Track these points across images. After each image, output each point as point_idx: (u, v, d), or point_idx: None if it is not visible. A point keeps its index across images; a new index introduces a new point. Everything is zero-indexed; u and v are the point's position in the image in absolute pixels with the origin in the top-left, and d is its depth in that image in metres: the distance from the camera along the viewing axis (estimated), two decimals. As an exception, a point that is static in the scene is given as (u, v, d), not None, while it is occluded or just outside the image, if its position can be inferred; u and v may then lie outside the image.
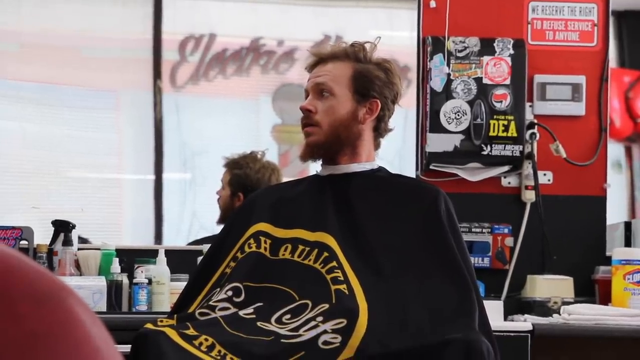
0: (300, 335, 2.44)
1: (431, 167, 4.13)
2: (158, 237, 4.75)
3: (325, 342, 2.41)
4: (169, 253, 3.94)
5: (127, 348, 2.40)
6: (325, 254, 2.58)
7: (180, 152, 4.98)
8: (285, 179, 4.15)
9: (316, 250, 2.60)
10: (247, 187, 4.07)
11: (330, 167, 2.82)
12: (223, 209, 4.27)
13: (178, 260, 3.95)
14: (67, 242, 3.84)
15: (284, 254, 2.65)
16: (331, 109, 2.72)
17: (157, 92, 4.75)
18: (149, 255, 3.92)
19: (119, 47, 4.98)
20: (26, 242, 3.79)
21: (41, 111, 4.87)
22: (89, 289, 3.54)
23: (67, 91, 4.88)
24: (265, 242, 2.66)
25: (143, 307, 3.66)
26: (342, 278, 2.53)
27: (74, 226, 3.93)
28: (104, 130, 4.90)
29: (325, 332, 2.42)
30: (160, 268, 3.79)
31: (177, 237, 4.81)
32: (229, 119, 5.11)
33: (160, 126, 4.77)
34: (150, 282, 3.74)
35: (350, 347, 2.38)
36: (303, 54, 4.03)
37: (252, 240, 2.68)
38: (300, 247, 2.63)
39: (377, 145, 2.81)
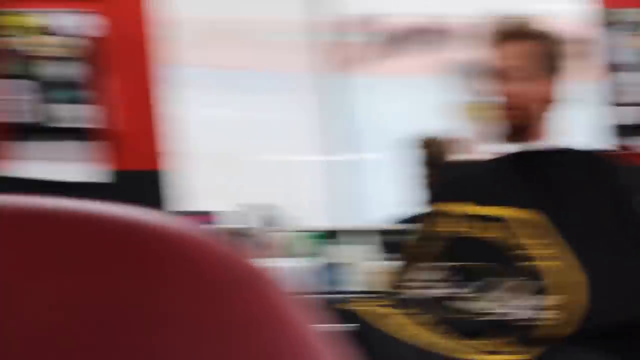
0: (515, 313, 2.46)
1: (617, 140, 4.26)
2: (349, 217, 4.76)
3: (543, 319, 2.44)
4: (364, 233, 4.12)
5: (330, 327, 2.57)
6: (534, 230, 2.60)
7: (366, 133, 5.08)
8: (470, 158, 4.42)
9: (524, 227, 2.64)
10: (440, 166, 4.06)
11: (523, 144, 2.77)
12: (422, 188, 4.28)
13: (372, 239, 4.07)
14: (267, 224, 4.07)
15: (492, 233, 2.67)
16: (527, 90, 2.71)
17: (340, 73, 4.88)
18: (342, 235, 4.10)
19: (297, 30, 5.08)
20: (226, 226, 3.97)
21: (232, 97, 4.99)
22: (289, 270, 3.73)
23: (251, 76, 4.98)
24: (471, 221, 2.67)
25: (343, 287, 3.82)
26: (555, 254, 2.55)
27: (273, 208, 4.15)
28: (290, 113, 5.02)
29: (542, 308, 2.44)
30: (354, 248, 4.00)
31: (368, 216, 4.77)
32: (408, 98, 5.10)
33: (345, 107, 4.95)
34: (346, 262, 3.95)
35: (570, 323, 2.41)
36: (469, 29, 3.86)
37: (459, 220, 2.68)
38: (507, 225, 2.68)
39: (560, 121, 2.85)
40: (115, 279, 0.29)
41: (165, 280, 0.30)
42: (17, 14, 4.37)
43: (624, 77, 4.18)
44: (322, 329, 0.51)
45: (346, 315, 2.44)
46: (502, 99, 2.68)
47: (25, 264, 0.28)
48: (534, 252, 2.53)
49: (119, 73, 4.21)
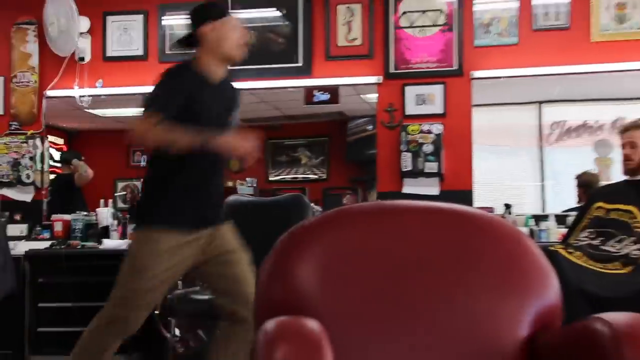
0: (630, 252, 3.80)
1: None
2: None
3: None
4: (560, 216, 5.52)
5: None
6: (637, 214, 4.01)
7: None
8: None
9: (632, 213, 4.00)
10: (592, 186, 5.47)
11: (632, 177, 4.20)
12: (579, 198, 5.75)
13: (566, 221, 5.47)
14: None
15: (619, 215, 4.07)
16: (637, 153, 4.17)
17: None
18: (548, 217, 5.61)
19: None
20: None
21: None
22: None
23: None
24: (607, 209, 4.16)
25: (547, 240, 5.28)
26: None
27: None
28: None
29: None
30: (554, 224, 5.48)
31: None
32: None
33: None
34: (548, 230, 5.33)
35: None
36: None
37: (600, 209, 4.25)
38: (627, 211, 4.05)
39: None
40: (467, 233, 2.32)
41: (482, 233, 2.34)
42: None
43: None
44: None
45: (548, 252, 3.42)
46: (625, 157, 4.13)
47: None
48: (637, 222, 3.89)
49: (450, 148, 6.00)
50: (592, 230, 4.05)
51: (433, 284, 2.43)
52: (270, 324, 1.98)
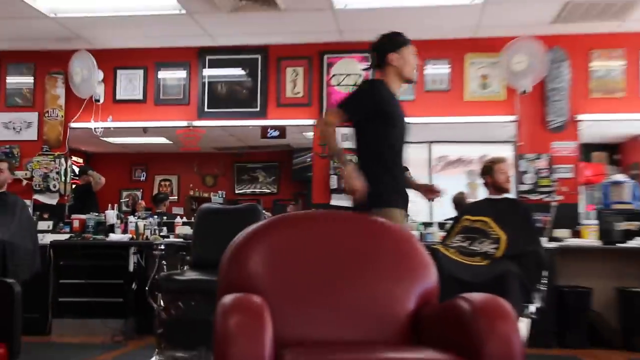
0: (487, 250, 3.85)
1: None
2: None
3: (493, 250, 3.85)
4: (443, 223, 5.74)
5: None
6: (491, 223, 4.01)
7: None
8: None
9: (489, 223, 4.01)
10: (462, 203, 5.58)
11: (496, 196, 4.19)
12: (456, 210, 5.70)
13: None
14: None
15: (480, 225, 4.05)
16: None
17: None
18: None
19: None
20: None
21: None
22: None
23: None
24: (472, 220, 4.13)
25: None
26: (499, 231, 3.93)
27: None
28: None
29: (494, 249, 3.85)
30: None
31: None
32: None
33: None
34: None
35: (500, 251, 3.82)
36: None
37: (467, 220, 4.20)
38: (484, 221, 4.07)
39: None
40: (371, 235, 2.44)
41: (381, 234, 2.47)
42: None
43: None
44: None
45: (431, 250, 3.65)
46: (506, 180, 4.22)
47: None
48: (492, 230, 3.95)
49: None
50: (462, 235, 4.05)
51: (347, 271, 2.45)
52: (226, 299, 1.97)
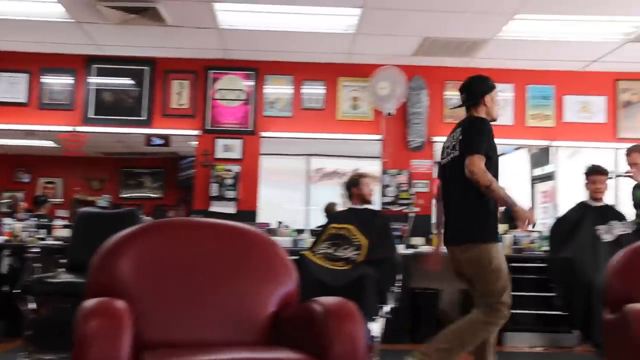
0: (349, 256, 3.86)
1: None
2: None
3: (355, 256, 3.87)
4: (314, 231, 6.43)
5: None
6: (355, 230, 4.00)
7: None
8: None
9: (352, 231, 4.00)
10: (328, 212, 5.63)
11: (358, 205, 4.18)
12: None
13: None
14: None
15: (343, 231, 4.04)
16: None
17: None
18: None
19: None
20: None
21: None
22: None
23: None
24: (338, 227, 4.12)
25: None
26: (360, 237, 3.94)
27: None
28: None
29: (356, 254, 3.87)
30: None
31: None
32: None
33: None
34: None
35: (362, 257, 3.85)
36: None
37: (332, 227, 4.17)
38: (347, 229, 4.05)
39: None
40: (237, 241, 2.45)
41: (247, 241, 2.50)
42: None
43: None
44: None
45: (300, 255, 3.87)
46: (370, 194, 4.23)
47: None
48: (355, 237, 3.97)
49: (244, 182, 6.26)
50: (329, 242, 4.04)
51: (214, 276, 2.42)
52: (88, 303, 1.89)
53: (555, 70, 6.10)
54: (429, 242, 5.68)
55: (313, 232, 5.50)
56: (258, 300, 2.40)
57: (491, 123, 3.19)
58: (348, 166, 6.22)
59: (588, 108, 6.09)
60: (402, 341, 5.04)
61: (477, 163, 2.94)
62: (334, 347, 1.95)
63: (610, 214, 4.16)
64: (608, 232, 4.04)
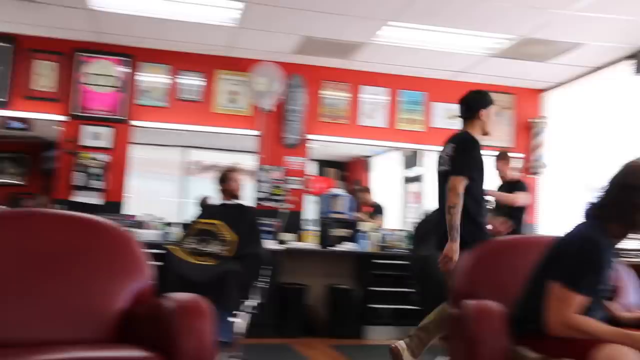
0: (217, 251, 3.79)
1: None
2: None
3: (223, 251, 3.77)
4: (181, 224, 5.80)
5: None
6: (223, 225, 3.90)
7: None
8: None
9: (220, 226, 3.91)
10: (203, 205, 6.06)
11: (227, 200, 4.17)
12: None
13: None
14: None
15: (210, 227, 3.95)
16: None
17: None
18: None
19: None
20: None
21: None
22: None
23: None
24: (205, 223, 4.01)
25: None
26: (229, 233, 3.85)
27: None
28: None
29: (222, 250, 3.77)
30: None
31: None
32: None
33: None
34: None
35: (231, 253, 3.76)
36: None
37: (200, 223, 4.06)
38: (215, 224, 3.95)
39: None
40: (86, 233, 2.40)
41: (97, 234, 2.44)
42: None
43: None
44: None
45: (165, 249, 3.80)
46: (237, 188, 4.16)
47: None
48: (222, 232, 3.90)
49: (113, 172, 5.73)
50: (196, 236, 3.95)
51: (58, 270, 2.27)
52: None
53: (427, 77, 6.33)
54: (299, 238, 5.77)
55: (185, 226, 5.46)
56: (106, 296, 2.30)
57: (480, 137, 3.42)
58: (227, 160, 6.10)
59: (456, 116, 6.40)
60: (270, 335, 5.10)
61: (456, 184, 3.15)
62: (182, 343, 1.93)
63: None
64: None
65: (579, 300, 1.98)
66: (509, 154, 5.25)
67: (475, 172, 3.28)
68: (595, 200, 2.18)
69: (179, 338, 1.93)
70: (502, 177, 4.84)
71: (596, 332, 1.93)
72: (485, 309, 2.15)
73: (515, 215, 4.80)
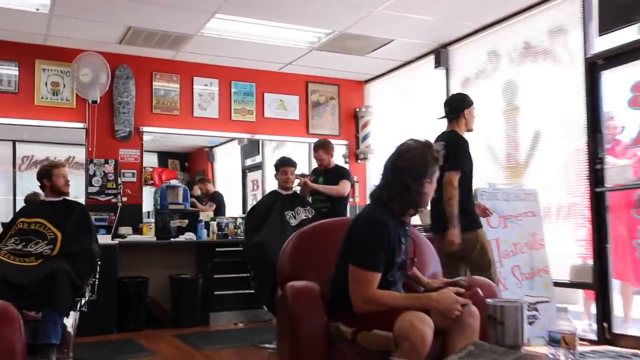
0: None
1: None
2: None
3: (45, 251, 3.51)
4: None
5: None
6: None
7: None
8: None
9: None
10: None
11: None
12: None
13: None
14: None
15: (35, 226, 3.68)
16: None
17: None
18: None
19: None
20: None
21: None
22: None
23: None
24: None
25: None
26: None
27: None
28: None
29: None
30: None
31: None
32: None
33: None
34: None
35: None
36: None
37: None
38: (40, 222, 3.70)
39: None
40: None
41: None
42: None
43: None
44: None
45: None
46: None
47: None
48: (48, 231, 3.64)
49: None
50: (17, 237, 3.65)
51: None
52: None
53: (256, 69, 6.37)
54: (137, 230, 5.59)
55: (3, 226, 5.01)
56: None
57: (466, 134, 3.70)
58: (59, 154, 5.93)
59: (284, 106, 6.58)
60: (110, 331, 4.95)
61: (451, 178, 3.37)
62: None
63: (297, 201, 4.41)
64: (294, 217, 4.35)
65: (375, 277, 2.12)
66: (331, 142, 5.45)
67: (466, 165, 3.54)
68: (377, 183, 2.35)
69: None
70: (323, 165, 4.87)
71: (393, 302, 2.09)
72: (304, 289, 2.24)
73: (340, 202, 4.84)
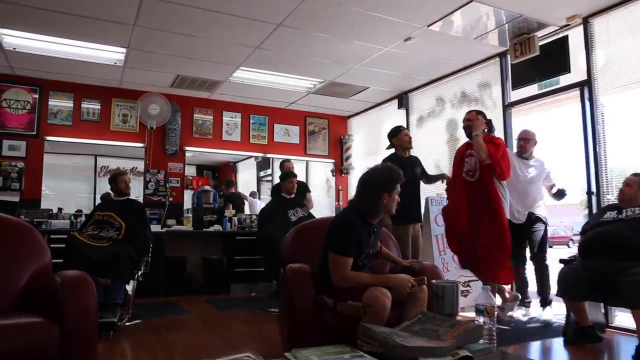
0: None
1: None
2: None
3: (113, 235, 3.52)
4: None
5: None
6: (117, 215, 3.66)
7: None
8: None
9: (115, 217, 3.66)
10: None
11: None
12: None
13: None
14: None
15: (108, 218, 3.63)
16: None
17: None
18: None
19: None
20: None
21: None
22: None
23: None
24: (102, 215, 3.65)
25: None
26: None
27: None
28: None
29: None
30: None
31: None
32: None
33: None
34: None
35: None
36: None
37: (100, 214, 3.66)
38: (111, 214, 3.69)
39: None
40: None
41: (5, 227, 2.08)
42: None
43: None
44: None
45: (69, 234, 3.46)
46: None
47: None
48: (116, 221, 3.61)
49: (29, 175, 5.08)
50: (95, 225, 3.66)
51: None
52: None
53: (268, 106, 6.31)
54: (179, 222, 5.60)
55: (86, 217, 5.07)
56: (11, 274, 2.10)
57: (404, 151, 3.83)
58: (126, 165, 5.85)
59: (289, 133, 6.52)
60: (159, 295, 4.95)
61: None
62: (69, 310, 1.81)
63: (296, 203, 4.27)
64: (294, 215, 4.30)
65: (348, 261, 2.10)
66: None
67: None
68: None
69: (66, 306, 1.79)
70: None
71: (362, 280, 2.08)
72: (299, 270, 2.20)
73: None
